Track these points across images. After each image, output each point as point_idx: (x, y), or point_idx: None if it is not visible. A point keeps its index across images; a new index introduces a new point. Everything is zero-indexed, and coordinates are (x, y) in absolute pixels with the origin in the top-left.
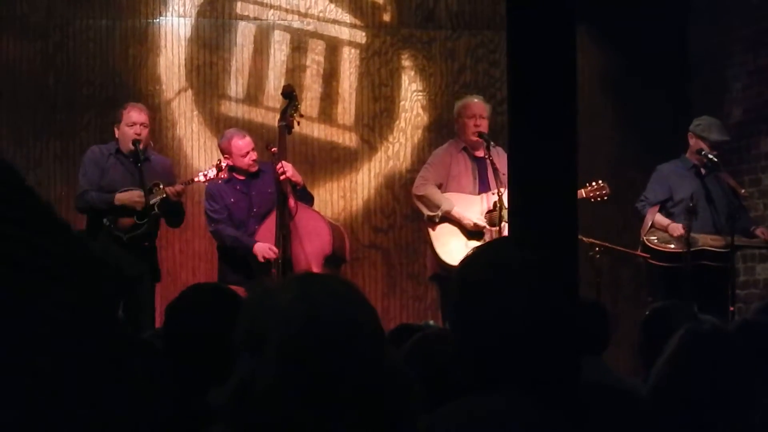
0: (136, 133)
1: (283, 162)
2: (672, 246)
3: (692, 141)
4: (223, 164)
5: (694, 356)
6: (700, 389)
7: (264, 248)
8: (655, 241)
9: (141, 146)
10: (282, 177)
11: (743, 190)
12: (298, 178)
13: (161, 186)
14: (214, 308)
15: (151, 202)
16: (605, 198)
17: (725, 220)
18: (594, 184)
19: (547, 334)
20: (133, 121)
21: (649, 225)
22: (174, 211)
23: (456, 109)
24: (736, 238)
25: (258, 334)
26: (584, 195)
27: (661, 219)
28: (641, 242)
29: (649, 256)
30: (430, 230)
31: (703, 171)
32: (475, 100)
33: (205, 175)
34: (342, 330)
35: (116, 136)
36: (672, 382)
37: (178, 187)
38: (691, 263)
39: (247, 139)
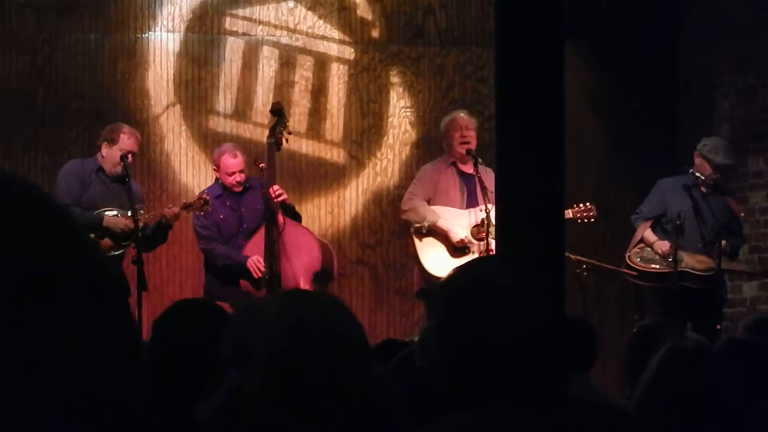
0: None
1: (277, 186)
2: (655, 266)
3: (698, 160)
4: (210, 197)
5: (677, 373)
6: (683, 407)
7: (256, 261)
8: (638, 261)
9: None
10: (279, 199)
11: (742, 214)
12: (287, 198)
13: (143, 211)
14: (200, 323)
15: (136, 227)
16: (592, 220)
17: (713, 242)
18: (581, 205)
19: (532, 351)
20: (129, 149)
21: (638, 240)
22: (162, 235)
23: (443, 125)
24: (724, 263)
25: (244, 347)
26: (571, 216)
27: (649, 235)
28: (625, 259)
29: (635, 274)
30: (416, 240)
31: (703, 189)
32: (461, 114)
33: (188, 206)
34: (327, 344)
35: (102, 154)
36: (655, 399)
37: (175, 209)
38: (668, 283)
39: (239, 159)
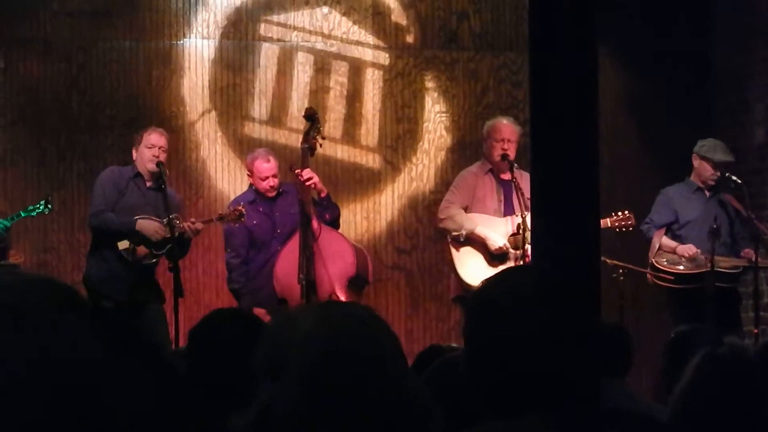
0: (154, 155)
1: (309, 170)
2: (681, 268)
3: (696, 162)
4: (244, 212)
5: (712, 381)
6: (720, 415)
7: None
8: (665, 263)
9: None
10: (309, 182)
11: (748, 212)
12: (322, 186)
13: (179, 220)
14: (236, 333)
15: (170, 235)
16: (630, 228)
17: (747, 242)
18: (619, 214)
19: (562, 361)
20: (153, 143)
21: (657, 247)
22: (183, 247)
23: (485, 130)
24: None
25: (279, 360)
26: (609, 225)
27: (668, 242)
28: (650, 264)
29: (672, 278)
30: (453, 250)
31: (707, 193)
32: (505, 122)
33: (223, 217)
34: (363, 356)
35: (134, 158)
36: (690, 407)
37: (198, 225)
38: (705, 284)
39: (272, 163)
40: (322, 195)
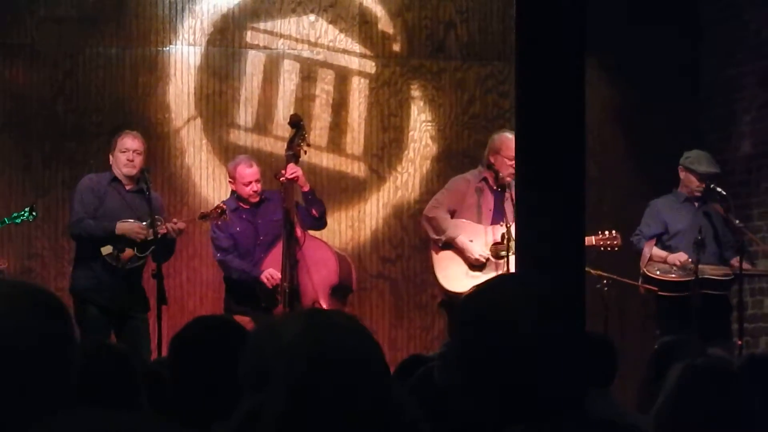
0: (128, 159)
1: (292, 164)
2: (673, 276)
3: (682, 174)
4: (227, 209)
5: (693, 392)
6: (701, 425)
7: (271, 272)
8: (657, 272)
9: (138, 174)
10: (293, 176)
11: (737, 221)
12: (305, 181)
13: (162, 221)
14: (219, 341)
15: (153, 237)
16: (616, 249)
17: (734, 251)
18: (606, 233)
19: (551, 371)
20: (126, 147)
21: (648, 257)
22: (167, 248)
23: (495, 144)
24: (744, 267)
25: (264, 369)
26: (594, 243)
27: (658, 252)
28: (642, 275)
29: (657, 289)
30: (433, 253)
31: (696, 204)
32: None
33: (205, 216)
34: (347, 366)
35: (111, 163)
36: (673, 418)
37: (181, 225)
38: (693, 293)
39: (254, 169)
40: (304, 189)
